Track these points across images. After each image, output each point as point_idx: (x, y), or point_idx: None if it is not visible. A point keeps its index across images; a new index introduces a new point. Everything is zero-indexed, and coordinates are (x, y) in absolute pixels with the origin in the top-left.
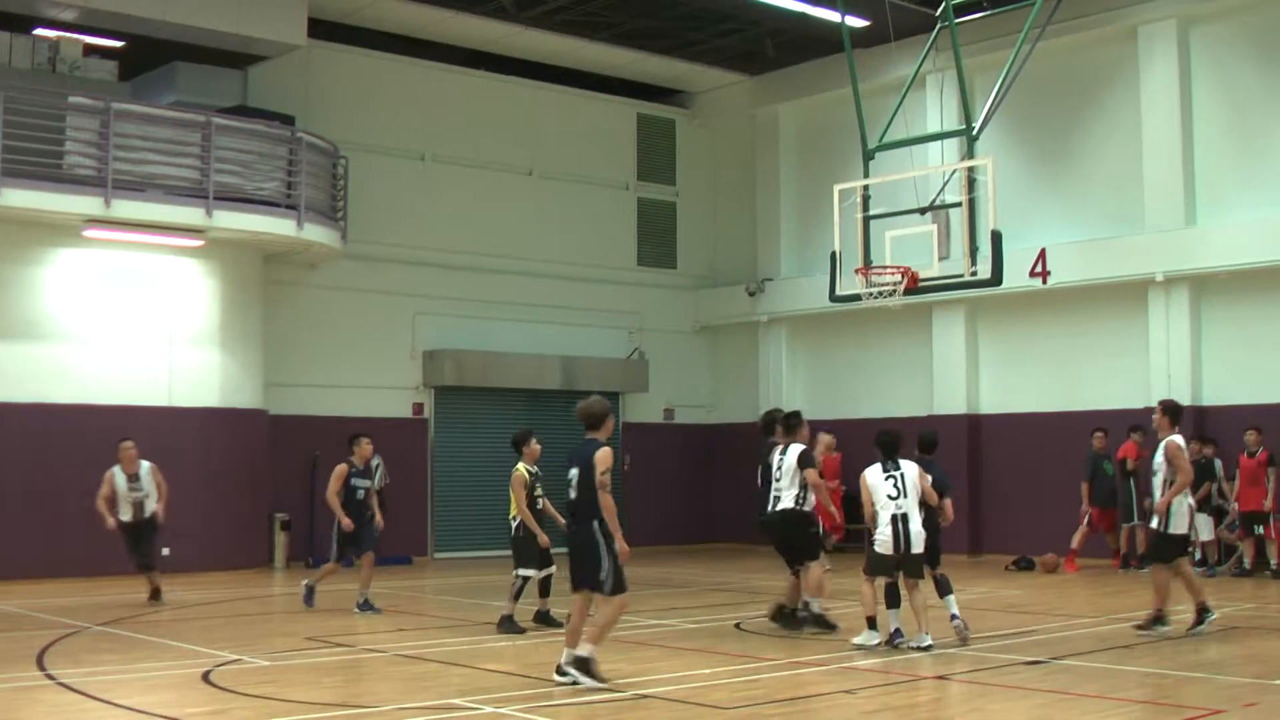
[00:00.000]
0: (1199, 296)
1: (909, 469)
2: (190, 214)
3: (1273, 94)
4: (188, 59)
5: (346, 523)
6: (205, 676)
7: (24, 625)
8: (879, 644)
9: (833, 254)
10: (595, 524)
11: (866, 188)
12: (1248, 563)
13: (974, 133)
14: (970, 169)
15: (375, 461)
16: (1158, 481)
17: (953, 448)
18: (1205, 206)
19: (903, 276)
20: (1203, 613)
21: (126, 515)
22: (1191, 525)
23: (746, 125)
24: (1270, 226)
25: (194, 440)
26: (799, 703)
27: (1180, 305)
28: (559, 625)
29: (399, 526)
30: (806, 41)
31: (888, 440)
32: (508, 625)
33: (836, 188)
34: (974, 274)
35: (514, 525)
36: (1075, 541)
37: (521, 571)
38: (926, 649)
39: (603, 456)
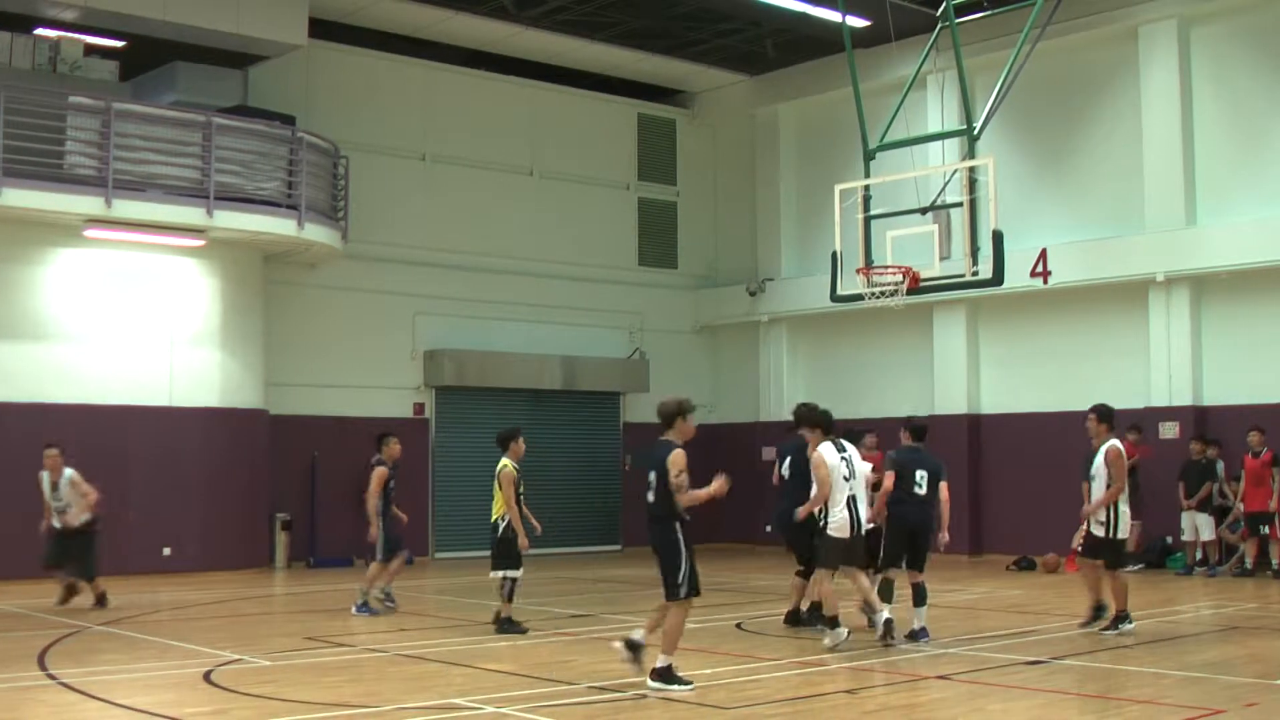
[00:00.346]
0: (1199, 296)
1: (853, 450)
2: (191, 214)
3: (1273, 94)
4: (188, 59)
5: (374, 532)
6: (206, 676)
7: (25, 625)
8: (850, 637)
9: (834, 254)
10: (677, 525)
11: (867, 188)
12: (1249, 563)
13: (975, 133)
14: (971, 169)
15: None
16: (1098, 486)
17: (953, 447)
18: (1206, 206)
19: (904, 276)
20: (1097, 614)
21: (56, 521)
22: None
23: (747, 125)
24: (1271, 226)
25: (194, 440)
26: (799, 703)
27: (1181, 305)
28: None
29: None
30: (807, 41)
31: (827, 420)
32: (507, 626)
33: (837, 188)
34: (975, 274)
35: (502, 525)
36: (1076, 541)
37: (509, 573)
38: (887, 624)
39: (674, 459)
